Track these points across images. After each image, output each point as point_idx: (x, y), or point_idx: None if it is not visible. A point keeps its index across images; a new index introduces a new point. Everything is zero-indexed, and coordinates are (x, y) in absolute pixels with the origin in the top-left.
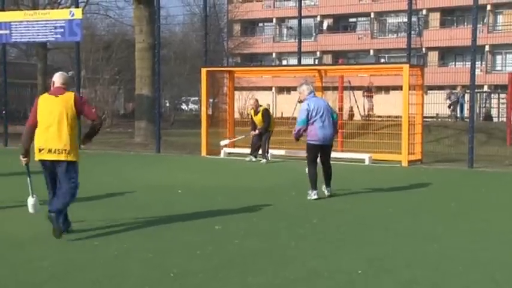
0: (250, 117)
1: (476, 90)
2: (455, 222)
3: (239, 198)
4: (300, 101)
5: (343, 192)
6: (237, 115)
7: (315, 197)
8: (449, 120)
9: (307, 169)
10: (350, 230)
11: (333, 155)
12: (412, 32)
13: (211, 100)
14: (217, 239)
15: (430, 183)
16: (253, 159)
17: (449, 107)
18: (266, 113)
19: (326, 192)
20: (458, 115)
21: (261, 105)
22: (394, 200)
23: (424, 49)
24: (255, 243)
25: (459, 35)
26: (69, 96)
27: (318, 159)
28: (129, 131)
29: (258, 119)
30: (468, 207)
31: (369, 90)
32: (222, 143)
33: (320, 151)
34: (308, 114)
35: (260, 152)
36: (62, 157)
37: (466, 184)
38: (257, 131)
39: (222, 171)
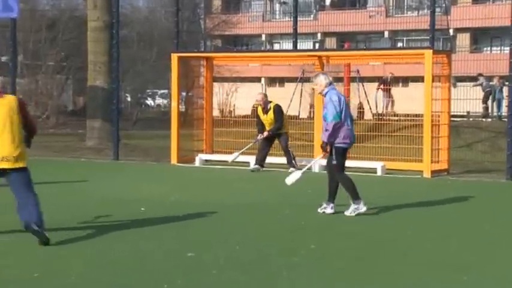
0: (256, 116)
1: None
2: (490, 249)
3: (218, 218)
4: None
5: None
6: (216, 112)
7: (365, 208)
8: (483, 119)
9: (341, 182)
10: (357, 257)
11: None
12: (437, 9)
13: (184, 94)
14: (190, 269)
15: (459, 200)
16: (261, 168)
17: (484, 101)
18: (279, 109)
19: (329, 210)
20: (495, 113)
21: (270, 101)
22: (413, 221)
23: (451, 30)
24: (236, 274)
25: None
26: (12, 99)
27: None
28: (80, 132)
29: (268, 118)
30: (506, 230)
31: (386, 83)
32: (231, 158)
33: None
34: (340, 105)
35: (285, 161)
36: (20, 164)
37: (504, 201)
38: (265, 134)
39: (198, 184)
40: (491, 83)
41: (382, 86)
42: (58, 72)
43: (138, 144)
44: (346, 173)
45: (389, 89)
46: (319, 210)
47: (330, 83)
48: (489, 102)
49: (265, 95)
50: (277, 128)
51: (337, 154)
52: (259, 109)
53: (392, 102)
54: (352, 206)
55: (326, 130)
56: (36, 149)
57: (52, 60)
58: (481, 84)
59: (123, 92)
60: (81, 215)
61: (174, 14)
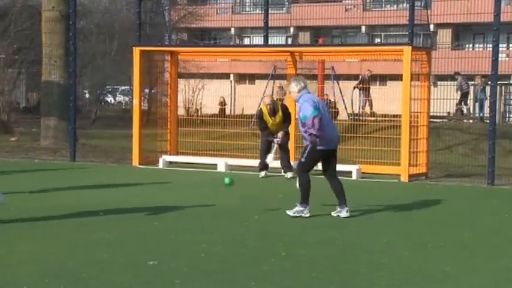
0: (259, 118)
1: (499, 82)
2: (469, 258)
3: (182, 224)
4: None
5: (322, 217)
6: (181, 111)
7: (308, 214)
8: (464, 121)
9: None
10: (330, 266)
11: None
12: (417, 3)
13: (146, 90)
14: (152, 278)
15: (438, 205)
16: (289, 175)
17: (460, 102)
18: (287, 108)
19: (345, 213)
20: (477, 114)
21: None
22: (389, 228)
23: (432, 26)
24: (201, 284)
25: (479, 8)
26: None
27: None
28: (33, 130)
29: (277, 120)
30: (487, 237)
31: (365, 81)
32: (269, 158)
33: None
34: (315, 105)
35: (279, 164)
36: None
37: (485, 207)
38: (279, 136)
39: (161, 187)
40: (470, 82)
41: (360, 85)
42: (10, 66)
43: (97, 145)
44: (319, 177)
45: (368, 88)
46: (333, 213)
47: (303, 88)
48: (469, 103)
49: (272, 97)
50: (287, 127)
51: (308, 153)
52: (265, 111)
53: (370, 101)
54: (298, 207)
55: (309, 134)
56: None
57: (3, 53)
58: (460, 85)
59: (80, 88)
60: (34, 220)
61: (136, 5)
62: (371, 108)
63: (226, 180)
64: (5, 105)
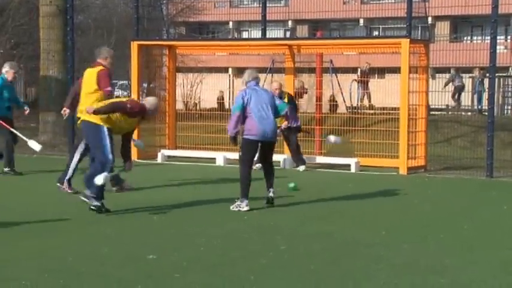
0: None
1: (498, 74)
2: (469, 251)
3: (182, 218)
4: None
5: (321, 210)
6: (180, 105)
7: (247, 208)
8: (462, 113)
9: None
10: (330, 259)
11: (309, 160)
12: None
13: (145, 85)
14: (151, 272)
15: (437, 198)
16: (301, 168)
17: (453, 96)
18: (293, 99)
19: (270, 194)
20: (475, 106)
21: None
22: (388, 220)
23: (430, 18)
24: (201, 278)
25: (477, 0)
26: None
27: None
28: (32, 125)
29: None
30: (486, 230)
31: (363, 74)
32: (332, 139)
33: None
34: (242, 101)
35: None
36: None
37: (484, 199)
38: (283, 126)
39: (159, 181)
40: (469, 74)
41: (359, 78)
42: (8, 61)
43: None
44: (319, 170)
45: (367, 81)
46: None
47: (249, 81)
48: (461, 98)
49: (281, 85)
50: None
51: (241, 147)
52: None
53: (369, 94)
54: (237, 202)
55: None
56: None
57: (1, 48)
58: (451, 79)
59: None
60: (33, 216)
61: None
62: (369, 101)
63: (291, 184)
64: None
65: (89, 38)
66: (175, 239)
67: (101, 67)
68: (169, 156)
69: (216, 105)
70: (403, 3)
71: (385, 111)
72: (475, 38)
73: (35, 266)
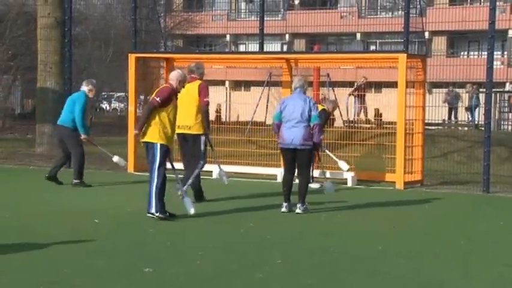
0: (321, 120)
1: (494, 89)
2: (466, 266)
3: (178, 230)
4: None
5: (318, 224)
6: None
7: (284, 210)
8: (458, 128)
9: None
10: (325, 274)
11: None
12: (412, 10)
13: (142, 97)
14: (148, 285)
15: (433, 213)
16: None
17: (449, 112)
18: (324, 114)
19: (297, 210)
20: (471, 121)
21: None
22: (385, 235)
23: (427, 33)
24: None
25: (474, 16)
26: None
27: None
28: (28, 137)
29: None
30: (482, 245)
31: (360, 88)
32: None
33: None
34: (280, 108)
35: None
36: None
37: (480, 214)
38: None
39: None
40: (462, 90)
41: (356, 92)
42: (5, 73)
43: (93, 151)
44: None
45: (364, 95)
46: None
47: (295, 88)
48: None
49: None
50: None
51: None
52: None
53: (365, 109)
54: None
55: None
56: None
57: None
58: (446, 100)
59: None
60: (28, 228)
61: (132, 12)
62: (366, 116)
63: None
64: (0, 111)
65: (87, 49)
66: (171, 252)
67: (200, 81)
68: (166, 169)
69: (213, 118)
70: (400, 18)
71: (381, 126)
72: (471, 53)
73: (30, 279)
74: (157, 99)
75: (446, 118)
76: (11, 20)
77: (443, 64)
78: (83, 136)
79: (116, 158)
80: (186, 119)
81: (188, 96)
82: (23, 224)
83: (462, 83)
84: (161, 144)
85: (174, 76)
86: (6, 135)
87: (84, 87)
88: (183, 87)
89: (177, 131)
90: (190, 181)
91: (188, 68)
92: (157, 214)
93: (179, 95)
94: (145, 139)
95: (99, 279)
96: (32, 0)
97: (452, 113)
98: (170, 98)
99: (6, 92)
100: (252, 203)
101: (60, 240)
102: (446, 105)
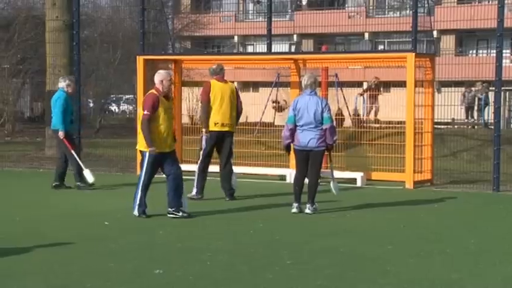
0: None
1: (503, 88)
2: (476, 265)
3: (187, 232)
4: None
5: (327, 224)
6: (185, 119)
7: (294, 210)
8: (468, 127)
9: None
10: (335, 274)
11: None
12: (420, 9)
13: None
14: (158, 287)
15: (443, 212)
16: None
17: (467, 111)
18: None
19: (306, 211)
20: (481, 120)
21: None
22: (394, 235)
23: (435, 32)
24: None
25: (483, 14)
26: None
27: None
28: (38, 140)
29: None
30: (493, 244)
31: (371, 88)
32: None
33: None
34: (294, 111)
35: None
36: None
37: (490, 213)
38: None
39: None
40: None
41: (367, 92)
42: (14, 76)
43: (102, 154)
44: (323, 183)
45: (376, 95)
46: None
47: (306, 87)
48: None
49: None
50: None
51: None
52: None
53: (377, 109)
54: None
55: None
56: None
57: (7, 63)
58: (463, 99)
59: (85, 97)
60: (38, 231)
61: (140, 14)
62: (376, 116)
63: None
64: (10, 114)
65: (95, 52)
66: (181, 254)
67: (232, 83)
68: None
69: None
70: (408, 17)
71: (390, 125)
72: (480, 51)
73: (40, 281)
74: (145, 112)
75: (464, 117)
76: (19, 23)
77: (452, 63)
78: (60, 133)
79: (86, 172)
80: (227, 118)
81: (227, 96)
82: (33, 227)
83: (471, 82)
84: (149, 154)
85: (156, 79)
86: (16, 139)
87: (62, 84)
88: (171, 84)
89: (216, 128)
90: (234, 178)
91: (213, 70)
92: (135, 212)
93: (214, 94)
94: (138, 147)
95: (110, 281)
96: (40, 3)
97: (469, 112)
98: (154, 104)
99: (15, 96)
100: (261, 203)
101: (70, 243)
102: (465, 104)
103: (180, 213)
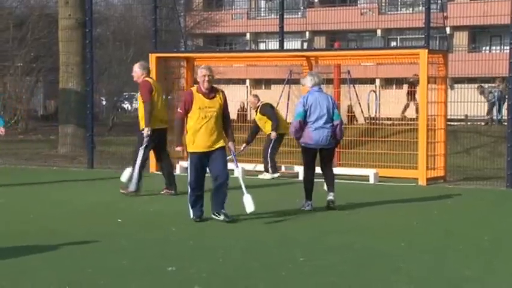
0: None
1: None
2: (490, 262)
3: (200, 229)
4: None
5: (340, 221)
6: None
7: (309, 208)
8: (486, 124)
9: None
10: (348, 271)
11: None
12: (433, 6)
13: (163, 97)
14: (171, 284)
15: (456, 209)
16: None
17: (492, 106)
18: (265, 108)
19: (329, 197)
20: (495, 117)
21: (262, 102)
22: (407, 231)
23: (448, 29)
24: None
25: (496, 10)
26: None
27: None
28: (51, 138)
29: (259, 120)
30: (507, 241)
31: (411, 85)
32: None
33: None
34: (304, 107)
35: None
36: None
37: (504, 210)
38: (272, 136)
39: (178, 193)
40: (490, 84)
41: (409, 89)
42: (27, 74)
43: (115, 151)
44: (336, 181)
45: (414, 92)
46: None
47: (315, 85)
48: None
49: (256, 96)
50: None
51: (301, 152)
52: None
53: (416, 105)
54: (302, 202)
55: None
56: (5, 156)
57: (21, 61)
58: (487, 94)
59: (97, 95)
60: (52, 228)
61: (152, 12)
62: (416, 112)
63: None
64: (23, 113)
65: (108, 50)
66: (194, 251)
67: None
68: (187, 168)
69: (235, 117)
70: (421, 13)
71: (403, 122)
72: (493, 48)
73: (54, 278)
74: (178, 110)
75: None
76: (32, 22)
77: (465, 59)
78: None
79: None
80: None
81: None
82: (47, 225)
83: (484, 78)
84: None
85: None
86: (30, 137)
87: None
88: (208, 81)
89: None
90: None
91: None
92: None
93: None
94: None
95: (123, 278)
96: (53, 2)
97: (494, 109)
98: (185, 102)
99: (28, 94)
100: (273, 200)
101: (83, 240)
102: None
103: (222, 217)
